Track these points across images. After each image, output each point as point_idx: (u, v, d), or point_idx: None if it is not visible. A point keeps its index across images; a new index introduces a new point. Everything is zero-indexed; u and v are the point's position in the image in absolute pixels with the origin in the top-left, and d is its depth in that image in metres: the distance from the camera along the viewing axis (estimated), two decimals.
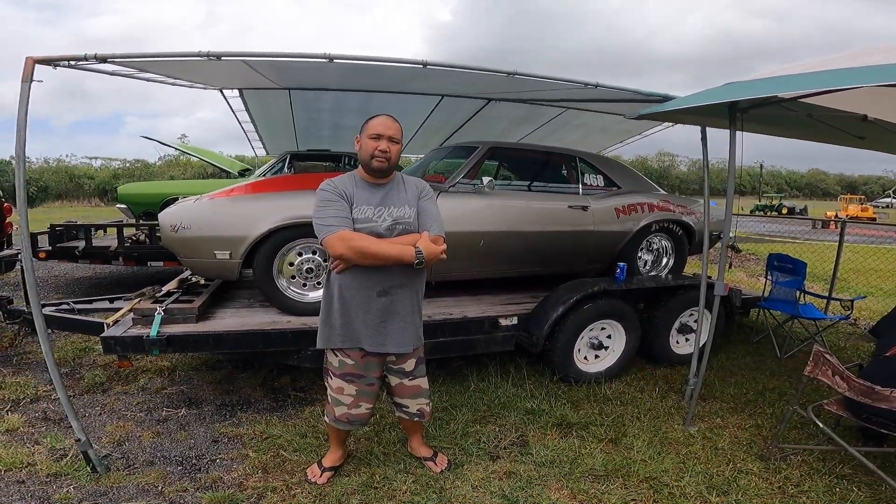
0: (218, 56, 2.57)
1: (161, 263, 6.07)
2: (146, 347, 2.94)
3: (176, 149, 11.65)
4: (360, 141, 2.25)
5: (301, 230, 3.32)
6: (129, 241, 6.12)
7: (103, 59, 2.58)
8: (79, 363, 3.96)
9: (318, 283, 3.45)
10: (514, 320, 3.56)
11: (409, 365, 2.40)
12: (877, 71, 2.09)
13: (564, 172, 4.36)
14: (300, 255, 3.41)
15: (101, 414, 3.14)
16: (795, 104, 3.05)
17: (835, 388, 2.42)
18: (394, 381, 2.43)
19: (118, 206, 7.75)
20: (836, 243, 6.15)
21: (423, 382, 2.46)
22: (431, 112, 5.53)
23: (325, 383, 2.41)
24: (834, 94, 2.88)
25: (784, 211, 30.09)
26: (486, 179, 3.63)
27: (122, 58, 2.63)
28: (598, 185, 4.39)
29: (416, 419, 2.49)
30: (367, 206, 2.20)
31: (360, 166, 2.31)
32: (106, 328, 3.15)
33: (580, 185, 4.27)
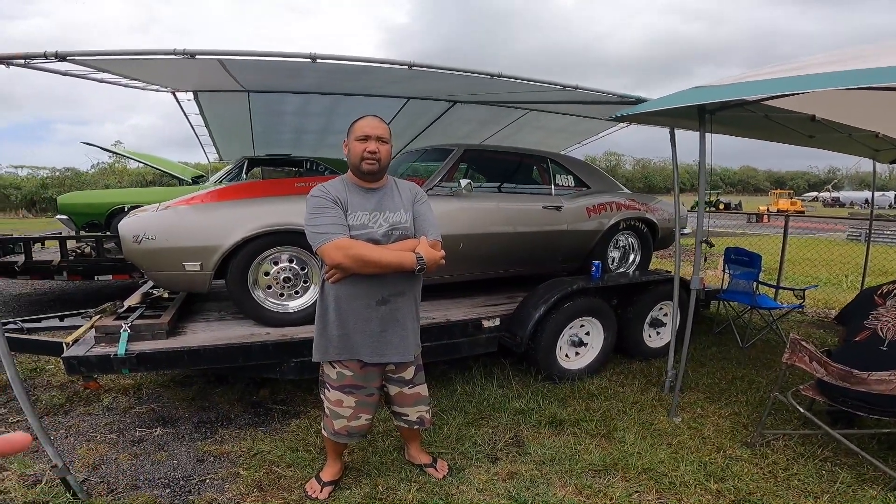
0: (192, 55, 2.45)
1: (110, 277, 5.72)
2: (114, 367, 2.75)
3: (120, 155, 11.01)
4: (348, 144, 2.16)
5: (278, 238, 3.21)
6: (73, 253, 5.73)
7: (62, 58, 2.42)
8: (32, 384, 3.66)
9: (297, 293, 3.35)
10: (497, 322, 3.57)
11: (409, 373, 2.35)
12: (829, 77, 2.26)
13: (537, 173, 4.43)
14: (276, 263, 3.29)
15: (67, 437, 2.92)
16: (756, 107, 3.24)
17: (812, 374, 2.57)
18: (393, 390, 2.37)
19: (59, 217, 7.25)
20: (772, 235, 6.53)
21: (423, 390, 2.41)
22: (396, 115, 5.50)
23: (322, 396, 2.32)
24: (789, 97, 3.08)
25: (721, 206, 31.75)
26: (464, 182, 3.62)
27: (83, 55, 2.47)
28: (569, 186, 4.49)
29: (417, 427, 2.44)
30: (362, 211, 2.12)
31: (349, 170, 2.22)
32: (66, 348, 2.92)
33: (553, 186, 4.35)
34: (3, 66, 2.30)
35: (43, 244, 6.69)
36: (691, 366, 4.08)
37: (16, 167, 31.63)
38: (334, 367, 2.22)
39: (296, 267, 3.31)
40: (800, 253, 10.22)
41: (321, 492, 2.34)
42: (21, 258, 5.50)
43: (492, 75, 2.84)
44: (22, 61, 2.35)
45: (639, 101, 3.26)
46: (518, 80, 2.97)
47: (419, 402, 2.40)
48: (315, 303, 3.26)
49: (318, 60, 2.55)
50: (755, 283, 4.95)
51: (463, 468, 2.58)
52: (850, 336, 2.82)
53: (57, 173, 31.18)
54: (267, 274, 3.27)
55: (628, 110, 3.14)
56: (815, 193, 47.34)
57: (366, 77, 3.72)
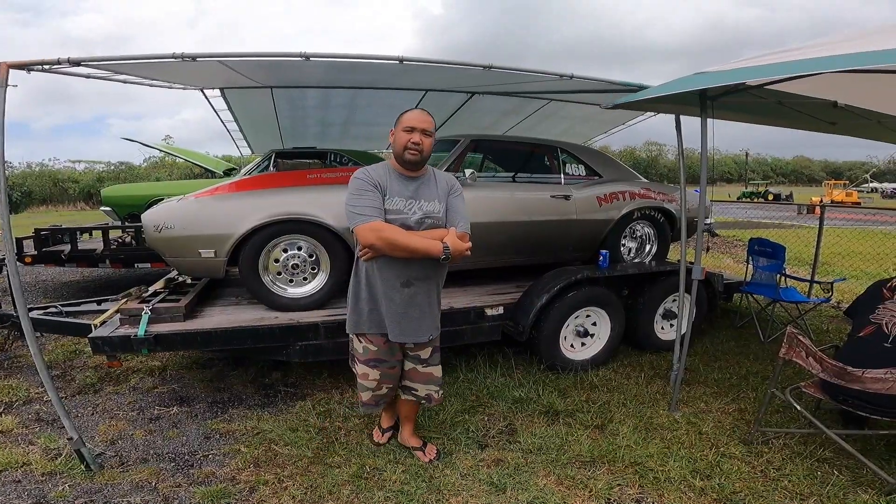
0: (193, 57, 2.57)
1: (148, 265, 6.03)
2: (134, 347, 2.96)
3: (160, 150, 11.58)
4: (395, 134, 2.29)
5: (285, 226, 3.34)
6: (115, 243, 6.08)
7: (76, 63, 2.57)
8: (70, 365, 3.96)
9: (305, 279, 3.48)
10: (500, 310, 3.60)
11: (426, 353, 2.47)
12: (834, 60, 2.14)
13: (547, 163, 4.41)
14: (285, 251, 3.43)
15: (93, 414, 3.16)
16: (764, 92, 3.11)
17: (809, 370, 2.48)
18: (408, 365, 2.50)
19: (103, 208, 7.69)
20: (814, 227, 6.24)
21: (437, 371, 2.53)
22: (416, 107, 5.54)
23: (353, 370, 2.52)
24: (803, 81, 2.94)
25: (770, 197, 30.39)
26: (468, 172, 3.67)
27: (95, 61, 2.62)
28: (579, 175, 4.44)
29: (424, 402, 2.56)
30: (400, 197, 2.26)
31: (392, 157, 2.35)
32: (93, 329, 3.15)
33: (562, 175, 4.32)
34: (24, 72, 2.48)
35: (90, 234, 7.11)
36: (704, 360, 4.00)
37: (73, 161, 33.64)
38: (361, 341, 2.40)
39: (304, 254, 3.44)
40: (851, 246, 9.71)
41: (382, 437, 2.74)
42: (68, 247, 5.89)
43: (484, 66, 2.86)
44: (41, 67, 2.53)
45: (640, 88, 3.20)
46: (510, 70, 2.96)
47: (430, 381, 2.52)
48: (322, 289, 3.43)
49: (311, 59, 2.63)
50: (779, 276, 4.78)
51: (451, 453, 2.64)
52: (856, 331, 2.70)
53: (112, 167, 32.97)
54: (277, 261, 3.42)
55: (628, 97, 3.09)
56: (874, 184, 44.41)
57: (378, 70, 3.79)
